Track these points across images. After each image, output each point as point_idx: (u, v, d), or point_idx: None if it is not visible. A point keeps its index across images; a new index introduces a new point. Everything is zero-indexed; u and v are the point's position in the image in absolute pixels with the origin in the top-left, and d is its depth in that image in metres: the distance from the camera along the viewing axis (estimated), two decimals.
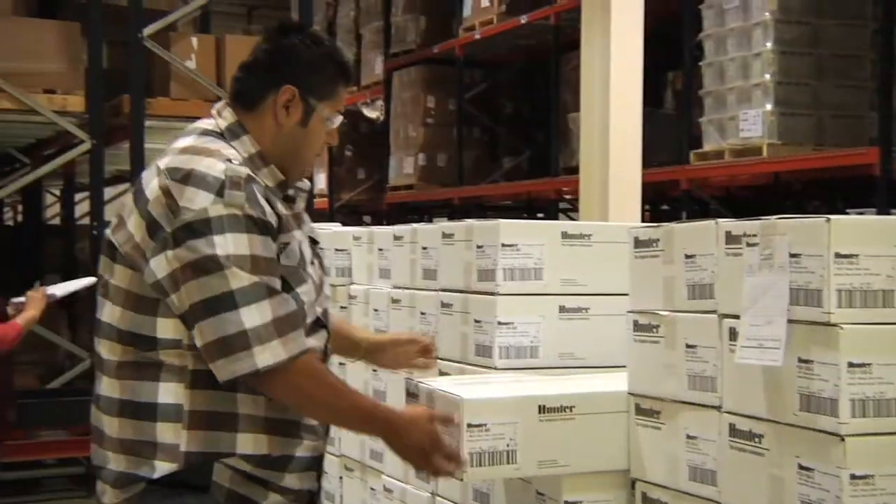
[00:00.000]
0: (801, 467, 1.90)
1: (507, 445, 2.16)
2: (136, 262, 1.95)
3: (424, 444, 2.04)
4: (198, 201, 1.89)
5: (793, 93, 5.95)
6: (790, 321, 1.92)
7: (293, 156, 2.08)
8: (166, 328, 1.94)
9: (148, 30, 5.90)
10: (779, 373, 1.94)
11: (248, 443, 1.97)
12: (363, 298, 3.38)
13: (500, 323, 2.56)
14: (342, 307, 3.51)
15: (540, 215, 9.42)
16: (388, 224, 8.24)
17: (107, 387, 2.04)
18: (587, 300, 2.64)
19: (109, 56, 6.26)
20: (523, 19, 8.04)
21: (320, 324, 2.11)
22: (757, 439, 2.00)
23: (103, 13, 5.90)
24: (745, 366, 1.99)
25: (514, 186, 9.02)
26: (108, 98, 6.09)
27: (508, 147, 9.43)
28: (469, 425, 2.12)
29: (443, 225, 2.90)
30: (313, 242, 2.17)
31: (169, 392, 1.96)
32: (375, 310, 3.26)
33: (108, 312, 2.01)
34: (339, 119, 2.12)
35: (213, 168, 1.93)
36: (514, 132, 9.43)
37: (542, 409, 2.19)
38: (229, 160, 1.96)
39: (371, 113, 10.52)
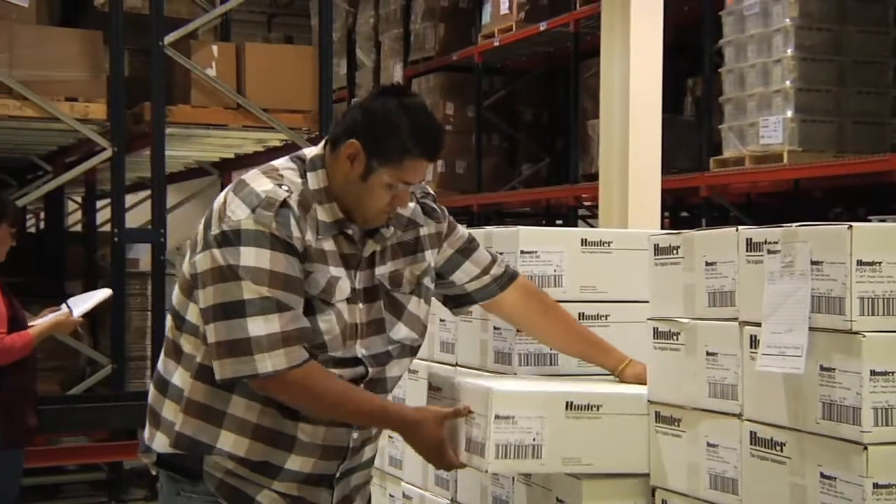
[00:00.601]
0: (823, 476, 1.89)
1: (534, 440, 2.16)
2: (193, 252, 2.15)
3: (431, 447, 2.17)
4: (238, 213, 2.06)
5: (813, 99, 5.93)
6: (812, 329, 1.91)
7: (355, 203, 2.17)
8: (194, 313, 2.13)
9: (169, 38, 5.93)
10: (800, 381, 1.93)
11: (228, 441, 2.13)
12: None
13: (519, 330, 2.56)
14: None
15: (559, 222, 9.42)
16: None
17: (160, 359, 2.27)
18: (607, 307, 2.63)
19: (131, 64, 6.30)
20: (542, 26, 8.05)
21: (359, 362, 2.18)
22: (778, 447, 1.99)
23: (125, 22, 5.94)
24: (766, 373, 1.98)
25: (532, 193, 9.02)
26: (129, 106, 6.12)
27: (527, 154, 9.44)
28: (497, 416, 2.12)
29: None
30: (388, 289, 2.22)
31: (179, 376, 2.18)
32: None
33: (173, 293, 2.22)
34: (405, 187, 2.16)
35: (262, 187, 2.09)
36: (534, 139, 9.43)
37: (569, 406, 2.19)
38: (280, 185, 2.10)
39: None
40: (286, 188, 2.10)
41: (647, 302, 2.38)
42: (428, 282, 2.30)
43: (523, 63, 9.32)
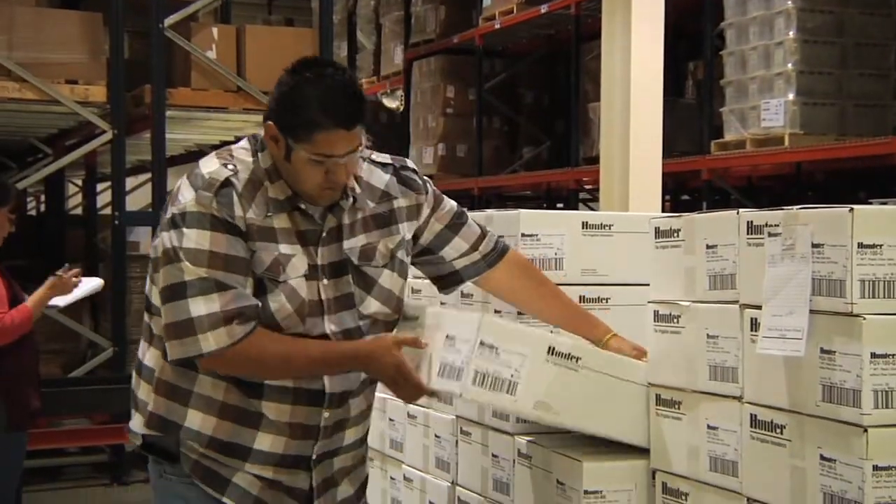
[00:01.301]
0: (822, 458, 1.90)
1: (511, 376, 2.15)
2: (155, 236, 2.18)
3: (391, 373, 2.11)
4: (185, 196, 2.09)
5: (815, 82, 5.91)
6: (812, 311, 1.91)
7: (293, 183, 2.14)
8: (156, 295, 2.14)
9: (169, 20, 5.92)
10: (801, 363, 1.93)
11: (196, 420, 2.14)
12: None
13: (520, 313, 2.56)
14: None
15: (559, 205, 9.41)
16: None
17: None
18: (608, 290, 2.63)
19: (131, 46, 6.29)
20: (543, 9, 8.02)
21: (328, 339, 2.15)
22: (778, 430, 1.99)
23: (125, 4, 5.92)
24: (766, 356, 1.98)
25: (533, 176, 9.01)
26: (129, 88, 6.11)
27: (528, 137, 9.42)
28: (482, 343, 2.11)
29: None
30: (356, 264, 2.18)
31: (150, 357, 2.20)
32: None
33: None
34: (335, 161, 2.09)
35: (208, 168, 2.11)
36: (534, 122, 9.41)
37: (551, 351, 2.19)
38: (227, 164, 2.11)
39: (391, 103, 10.53)
40: (231, 167, 2.10)
41: (648, 285, 2.38)
42: (402, 255, 2.27)
43: (524, 46, 9.29)
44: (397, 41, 9.84)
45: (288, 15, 11.39)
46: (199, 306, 2.04)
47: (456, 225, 2.37)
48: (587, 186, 8.52)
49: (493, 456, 2.60)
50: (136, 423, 2.21)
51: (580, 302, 2.61)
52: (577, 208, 8.50)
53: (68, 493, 6.34)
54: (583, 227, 2.63)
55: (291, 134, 2.08)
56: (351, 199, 2.20)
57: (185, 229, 2.05)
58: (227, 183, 2.08)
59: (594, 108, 7.31)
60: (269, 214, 2.11)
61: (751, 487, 2.07)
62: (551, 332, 2.41)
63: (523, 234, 2.57)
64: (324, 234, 2.16)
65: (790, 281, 1.94)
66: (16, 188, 4.67)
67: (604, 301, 2.63)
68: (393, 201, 2.26)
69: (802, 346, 1.90)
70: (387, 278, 2.22)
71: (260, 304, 2.08)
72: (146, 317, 2.22)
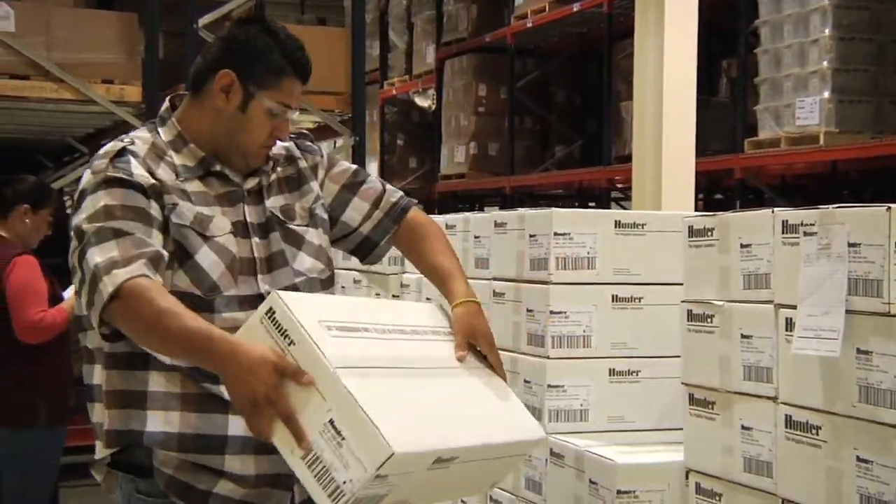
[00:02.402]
0: (859, 460, 1.88)
1: (382, 494, 1.76)
2: None
3: (257, 393, 1.77)
4: (83, 179, 2.05)
5: (851, 80, 5.85)
6: (849, 311, 1.89)
7: (231, 141, 2.12)
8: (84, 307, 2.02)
9: (203, 20, 5.96)
10: (836, 364, 1.91)
11: (157, 420, 1.98)
12: (415, 287, 3.40)
13: (552, 312, 2.56)
14: (394, 295, 3.53)
15: (591, 204, 9.38)
16: (439, 213, 8.25)
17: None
18: (641, 289, 2.62)
19: (166, 46, 6.34)
20: (576, 7, 8.00)
21: (258, 301, 1.96)
22: (814, 431, 1.98)
23: (160, 4, 5.97)
24: (801, 356, 1.97)
25: (565, 175, 8.99)
26: (164, 88, 6.15)
27: (560, 136, 9.40)
28: (377, 476, 1.71)
29: (495, 214, 2.90)
30: (281, 220, 2.16)
31: (95, 374, 2.06)
32: (428, 298, 3.27)
33: None
34: (286, 112, 2.11)
35: (104, 149, 2.07)
36: (566, 121, 9.39)
37: (437, 461, 1.81)
38: (121, 140, 2.10)
39: (423, 102, 10.54)
40: (128, 140, 2.08)
41: (682, 284, 2.37)
42: (321, 211, 2.24)
43: (556, 44, 9.27)
44: (429, 40, 9.85)
45: (320, 14, 11.43)
46: (95, 255, 1.92)
47: (353, 185, 2.31)
48: (619, 185, 8.49)
49: (526, 455, 2.59)
50: (99, 449, 2.06)
51: (612, 301, 2.61)
52: (609, 207, 8.47)
53: (99, 490, 6.39)
54: (615, 226, 2.62)
55: (256, 80, 2.08)
56: (271, 163, 2.20)
57: (83, 205, 1.99)
58: (123, 151, 2.05)
59: (626, 106, 7.28)
60: (179, 179, 2.07)
61: (785, 488, 2.05)
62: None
63: (556, 233, 2.57)
64: (246, 194, 2.14)
65: (826, 280, 1.93)
66: (55, 192, 4.73)
67: (637, 300, 2.62)
68: (298, 162, 2.27)
69: (838, 346, 1.89)
70: (313, 235, 2.21)
71: (166, 253, 1.96)
72: (80, 340, 2.11)
